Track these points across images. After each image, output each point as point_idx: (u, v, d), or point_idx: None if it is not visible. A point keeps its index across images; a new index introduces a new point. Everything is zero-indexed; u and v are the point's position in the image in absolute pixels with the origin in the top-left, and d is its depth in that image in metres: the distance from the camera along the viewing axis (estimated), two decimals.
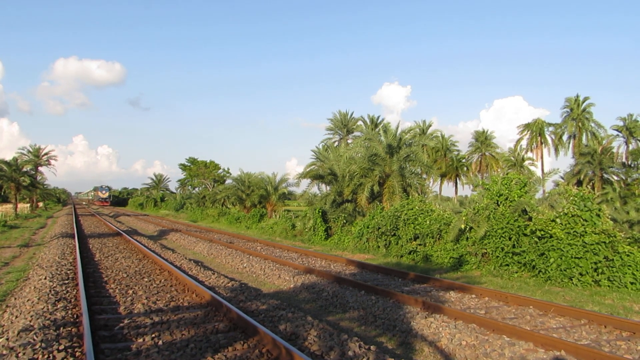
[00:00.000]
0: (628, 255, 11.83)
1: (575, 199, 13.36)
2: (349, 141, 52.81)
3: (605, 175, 42.22)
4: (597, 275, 11.92)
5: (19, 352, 5.94)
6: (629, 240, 12.56)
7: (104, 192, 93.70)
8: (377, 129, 34.28)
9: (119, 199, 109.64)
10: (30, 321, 7.37)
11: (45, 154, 56.34)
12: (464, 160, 58.95)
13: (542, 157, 54.62)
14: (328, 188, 27.83)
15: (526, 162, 52.82)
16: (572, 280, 12.02)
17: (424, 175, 27.40)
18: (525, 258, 13.14)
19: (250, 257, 16.05)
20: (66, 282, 10.91)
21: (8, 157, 49.88)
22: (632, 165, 43.01)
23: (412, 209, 17.93)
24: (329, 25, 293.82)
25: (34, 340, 6.39)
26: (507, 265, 13.48)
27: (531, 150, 55.03)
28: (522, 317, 8.65)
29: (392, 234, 17.99)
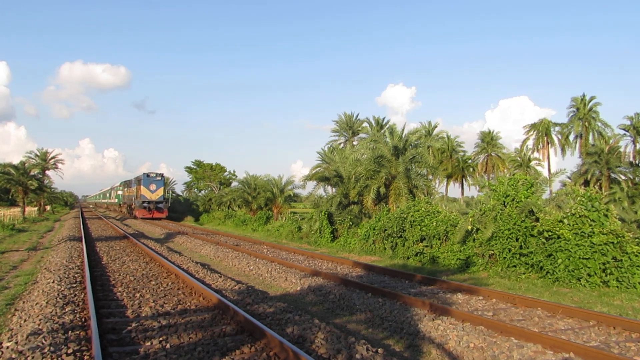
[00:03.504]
0: (637, 256, 11.74)
1: (583, 199, 13.27)
2: (355, 143, 52.83)
3: (613, 175, 41.93)
4: (606, 276, 11.84)
5: (28, 356, 5.97)
6: (637, 240, 12.45)
7: (154, 186, 45.11)
8: (382, 131, 34.26)
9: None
10: (38, 325, 7.41)
11: (53, 157, 56.53)
12: (470, 161, 58.77)
13: (548, 157, 54.37)
14: (334, 190, 27.83)
15: (532, 163, 52.61)
16: (580, 281, 11.94)
17: (430, 177, 27.30)
18: (532, 259, 13.07)
19: (257, 259, 16.06)
20: (74, 285, 10.97)
21: (15, 161, 50.20)
22: None
23: (418, 211, 17.89)
24: (333, 27, 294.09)
25: (42, 343, 6.42)
26: (515, 266, 13.41)
27: (537, 151, 54.81)
28: (530, 319, 8.60)
29: (399, 235, 17.95)
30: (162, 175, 46.87)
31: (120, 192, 61.32)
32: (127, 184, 55.05)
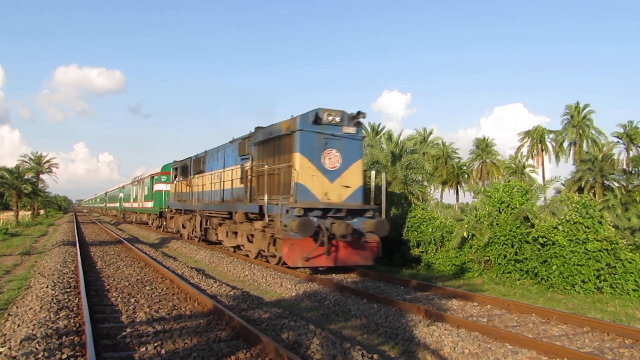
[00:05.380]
0: (630, 262, 11.81)
1: (577, 206, 13.35)
2: None
3: (606, 182, 42.22)
4: (600, 282, 11.90)
5: None
6: (631, 247, 12.54)
7: (337, 157, 12.60)
8: (378, 137, 34.27)
9: None
10: (32, 330, 7.36)
11: (47, 161, 56.37)
12: (464, 168, 59.07)
13: (542, 164, 54.81)
14: None
15: (527, 169, 52.98)
16: (574, 287, 12.00)
17: (426, 183, 27.38)
18: (527, 265, 13.12)
19: (252, 265, 16.01)
20: (68, 290, 10.90)
21: (9, 165, 49.98)
22: (633, 171, 43.00)
23: (414, 217, 17.92)
24: (329, 33, 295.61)
25: (36, 349, 6.38)
26: (509, 272, 13.46)
27: (532, 158, 55.27)
28: (525, 325, 8.63)
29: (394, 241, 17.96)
30: (359, 122, 13.99)
31: (164, 188, 29.95)
32: (197, 162, 22.38)
